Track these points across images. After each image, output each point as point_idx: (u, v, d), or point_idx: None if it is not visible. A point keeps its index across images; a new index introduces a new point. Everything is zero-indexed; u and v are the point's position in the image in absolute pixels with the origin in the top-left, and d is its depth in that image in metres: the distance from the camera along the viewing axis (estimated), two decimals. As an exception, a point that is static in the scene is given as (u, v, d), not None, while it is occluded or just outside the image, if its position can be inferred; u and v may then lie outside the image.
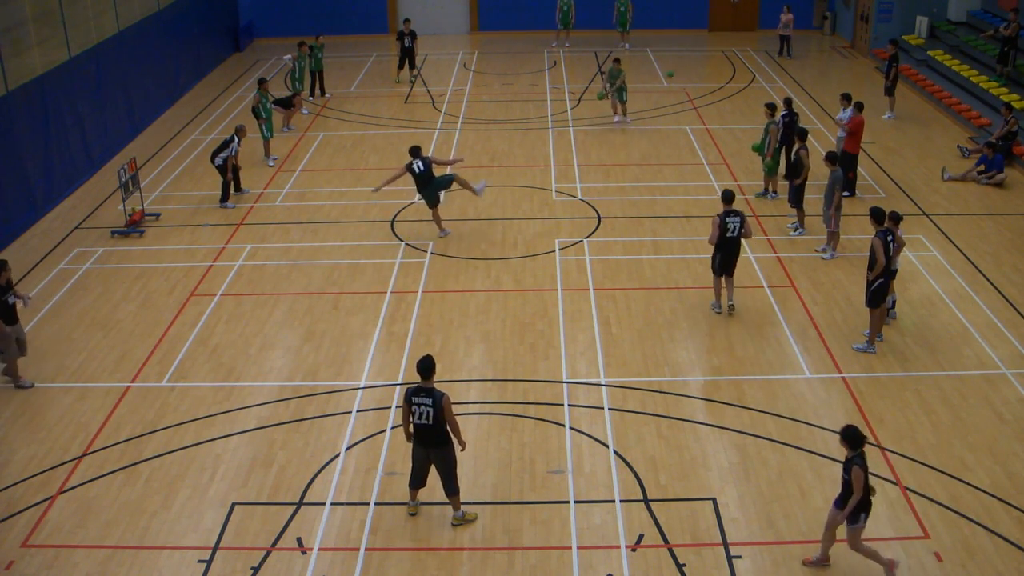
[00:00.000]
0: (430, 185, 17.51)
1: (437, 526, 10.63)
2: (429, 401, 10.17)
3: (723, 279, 14.83)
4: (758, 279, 15.96)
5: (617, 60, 23.99)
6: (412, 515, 10.76)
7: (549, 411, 12.57)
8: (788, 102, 19.86)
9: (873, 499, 9.59)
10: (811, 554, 10.01)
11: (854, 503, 9.40)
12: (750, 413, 12.50)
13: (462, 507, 10.66)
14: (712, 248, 14.61)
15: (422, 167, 17.34)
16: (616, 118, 24.24)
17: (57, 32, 20.85)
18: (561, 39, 32.88)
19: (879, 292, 13.59)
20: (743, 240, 14.68)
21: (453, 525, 10.63)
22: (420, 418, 10.21)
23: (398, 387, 13.20)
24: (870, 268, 13.54)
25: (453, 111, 25.90)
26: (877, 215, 13.67)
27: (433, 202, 17.68)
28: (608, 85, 23.77)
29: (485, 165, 21.64)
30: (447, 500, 10.74)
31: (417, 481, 10.63)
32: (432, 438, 10.29)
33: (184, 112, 26.32)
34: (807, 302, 15.24)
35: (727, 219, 14.44)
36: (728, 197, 14.62)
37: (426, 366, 10.32)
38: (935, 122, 24.37)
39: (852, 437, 9.40)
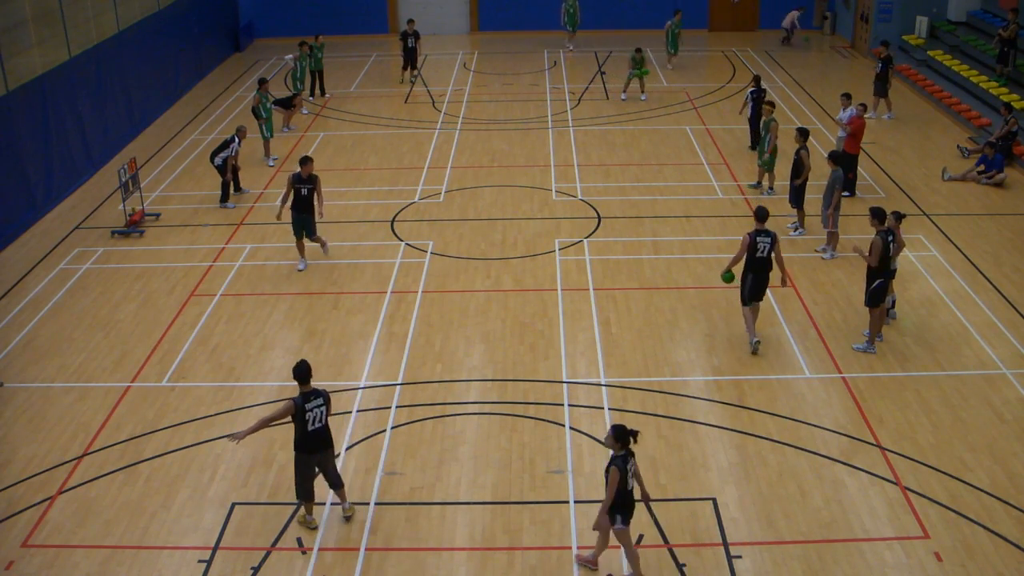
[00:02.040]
0: (306, 214, 16.19)
1: (437, 526, 10.64)
2: (321, 401, 10.14)
3: (752, 307, 13.76)
4: (758, 279, 15.96)
5: (639, 50, 25.87)
6: (314, 528, 10.58)
7: (549, 411, 12.57)
8: (757, 79, 22.09)
9: (644, 504, 9.70)
10: (585, 552, 9.87)
11: (607, 504, 9.32)
12: (750, 413, 12.50)
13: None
14: (730, 264, 13.64)
15: (306, 191, 16.04)
16: (623, 95, 26.42)
17: (57, 32, 20.86)
18: (570, 40, 32.66)
19: (879, 292, 13.60)
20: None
21: (347, 518, 10.66)
22: (315, 423, 10.09)
23: (398, 387, 13.21)
24: (869, 265, 13.56)
25: (453, 111, 25.91)
26: (878, 214, 13.67)
27: (298, 230, 16.39)
28: (633, 70, 25.88)
29: (485, 165, 21.66)
30: (444, 500, 10.74)
31: (312, 493, 10.50)
32: (326, 439, 10.30)
33: (184, 112, 26.33)
34: (807, 302, 15.24)
35: (758, 238, 13.43)
36: (762, 215, 13.57)
37: (305, 370, 10.17)
38: (935, 122, 24.37)
39: (617, 436, 9.28)
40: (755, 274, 13.63)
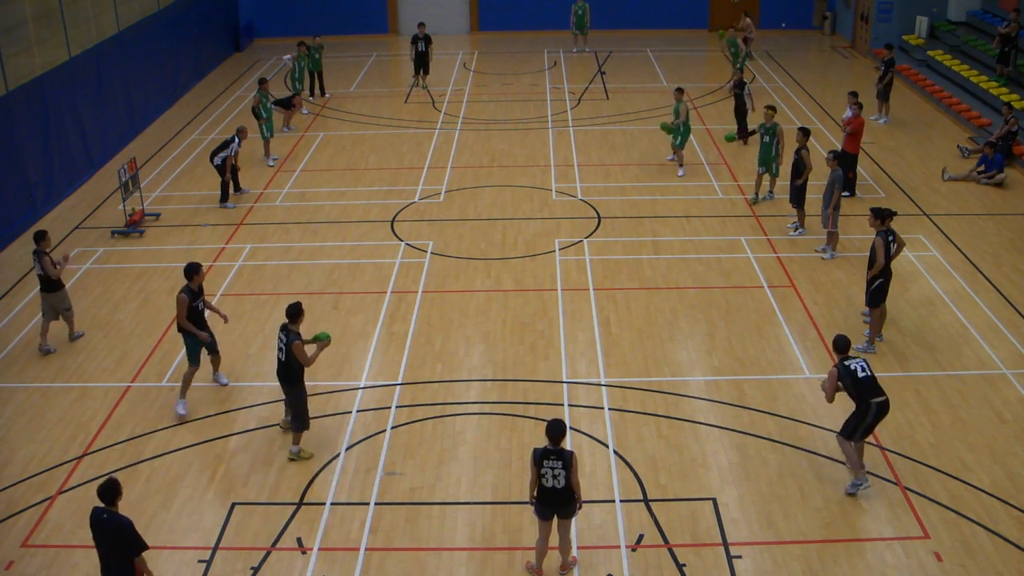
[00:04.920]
0: (205, 331, 12.86)
1: (437, 526, 10.64)
2: (283, 339, 11.42)
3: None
4: (758, 279, 15.96)
5: (680, 90, 20.60)
6: (284, 429, 12.15)
7: (549, 411, 12.56)
8: (738, 70, 23.52)
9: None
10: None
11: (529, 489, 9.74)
12: (750, 413, 12.50)
13: (301, 447, 11.88)
14: (827, 400, 11.18)
15: (202, 306, 12.86)
16: (680, 171, 20.70)
17: (57, 32, 20.85)
18: (580, 44, 32.51)
19: (879, 292, 13.60)
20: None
21: (289, 459, 11.69)
22: (279, 354, 11.57)
23: (398, 387, 13.21)
24: (870, 267, 13.57)
25: (453, 111, 25.91)
26: (879, 214, 13.66)
27: (196, 356, 12.81)
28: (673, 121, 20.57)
29: (485, 165, 21.66)
30: (444, 500, 10.76)
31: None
32: (281, 374, 11.57)
33: (184, 112, 26.33)
34: (807, 302, 15.23)
35: (848, 364, 10.93)
36: (842, 345, 11.10)
37: (292, 311, 11.52)
38: (935, 122, 24.37)
39: (547, 428, 9.44)
40: (863, 398, 10.88)
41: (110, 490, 8.67)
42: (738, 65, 26.08)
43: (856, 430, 10.89)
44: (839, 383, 10.89)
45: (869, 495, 10.91)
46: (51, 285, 14.15)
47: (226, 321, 13.49)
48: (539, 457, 9.38)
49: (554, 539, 9.78)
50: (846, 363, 10.91)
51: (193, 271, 12.73)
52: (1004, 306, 15.07)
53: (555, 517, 9.61)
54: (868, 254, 13.72)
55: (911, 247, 16.80)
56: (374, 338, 14.46)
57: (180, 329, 12.73)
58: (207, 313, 12.97)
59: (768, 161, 18.75)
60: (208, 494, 11.24)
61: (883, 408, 10.84)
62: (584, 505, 10.74)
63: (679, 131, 20.33)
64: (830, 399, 11.08)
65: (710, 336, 14.33)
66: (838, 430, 11.16)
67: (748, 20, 30.11)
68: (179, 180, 21.24)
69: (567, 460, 9.35)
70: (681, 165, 20.38)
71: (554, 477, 9.36)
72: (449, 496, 11.09)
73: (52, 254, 14.28)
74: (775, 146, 18.61)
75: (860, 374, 10.83)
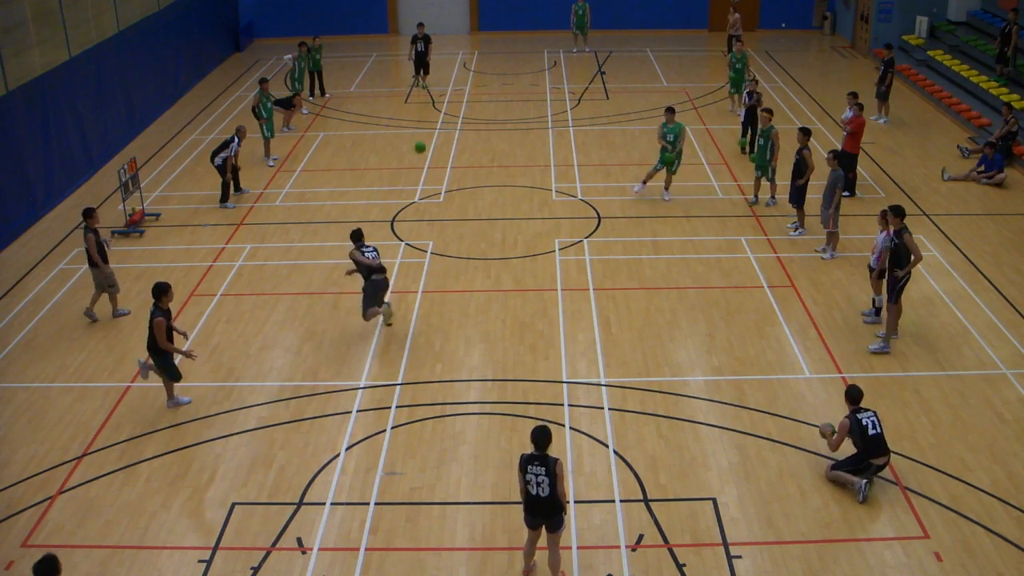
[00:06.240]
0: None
1: (437, 526, 10.64)
2: (373, 249, 14.22)
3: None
4: (758, 279, 15.96)
5: (671, 110, 19.18)
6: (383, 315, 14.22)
7: (549, 411, 12.57)
8: (753, 81, 22.11)
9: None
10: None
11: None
12: (750, 413, 12.50)
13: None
14: (830, 449, 11.21)
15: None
16: (637, 187, 19.56)
17: (57, 32, 20.86)
18: (580, 44, 32.47)
19: (903, 288, 13.56)
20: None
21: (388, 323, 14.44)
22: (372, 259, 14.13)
23: (398, 387, 13.21)
24: (899, 265, 13.46)
25: (453, 111, 25.91)
26: (899, 212, 13.57)
27: (172, 373, 12.75)
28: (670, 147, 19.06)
29: (485, 165, 21.66)
30: (444, 500, 10.80)
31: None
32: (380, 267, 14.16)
33: (184, 112, 26.33)
34: (807, 302, 15.24)
35: (861, 419, 10.99)
36: (855, 396, 11.12)
37: (355, 234, 14.03)
38: (935, 122, 24.37)
39: (531, 435, 9.34)
40: (867, 455, 10.97)
41: (49, 569, 8.13)
42: (748, 78, 24.45)
43: (845, 469, 11.01)
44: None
45: (869, 495, 10.90)
46: (93, 261, 14.91)
47: (186, 338, 13.14)
48: (524, 463, 9.30)
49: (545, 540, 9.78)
50: (859, 416, 10.95)
51: (164, 290, 12.48)
52: (1004, 306, 15.07)
53: (543, 529, 9.54)
54: (869, 254, 13.70)
55: (911, 247, 16.80)
56: (374, 338, 14.46)
57: (157, 351, 12.50)
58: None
59: (764, 164, 18.64)
60: (208, 494, 11.24)
61: (881, 469, 11.04)
62: (584, 505, 10.77)
63: (680, 157, 19.10)
64: (834, 449, 11.12)
65: (710, 336, 14.33)
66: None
67: (737, 15, 29.15)
68: (179, 180, 21.24)
69: (551, 467, 9.19)
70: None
71: (538, 484, 9.26)
72: (449, 496, 11.09)
73: (91, 237, 14.90)
74: (770, 149, 18.49)
75: (871, 431, 10.89)
